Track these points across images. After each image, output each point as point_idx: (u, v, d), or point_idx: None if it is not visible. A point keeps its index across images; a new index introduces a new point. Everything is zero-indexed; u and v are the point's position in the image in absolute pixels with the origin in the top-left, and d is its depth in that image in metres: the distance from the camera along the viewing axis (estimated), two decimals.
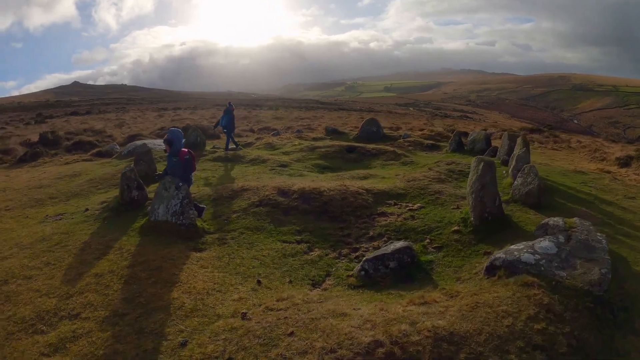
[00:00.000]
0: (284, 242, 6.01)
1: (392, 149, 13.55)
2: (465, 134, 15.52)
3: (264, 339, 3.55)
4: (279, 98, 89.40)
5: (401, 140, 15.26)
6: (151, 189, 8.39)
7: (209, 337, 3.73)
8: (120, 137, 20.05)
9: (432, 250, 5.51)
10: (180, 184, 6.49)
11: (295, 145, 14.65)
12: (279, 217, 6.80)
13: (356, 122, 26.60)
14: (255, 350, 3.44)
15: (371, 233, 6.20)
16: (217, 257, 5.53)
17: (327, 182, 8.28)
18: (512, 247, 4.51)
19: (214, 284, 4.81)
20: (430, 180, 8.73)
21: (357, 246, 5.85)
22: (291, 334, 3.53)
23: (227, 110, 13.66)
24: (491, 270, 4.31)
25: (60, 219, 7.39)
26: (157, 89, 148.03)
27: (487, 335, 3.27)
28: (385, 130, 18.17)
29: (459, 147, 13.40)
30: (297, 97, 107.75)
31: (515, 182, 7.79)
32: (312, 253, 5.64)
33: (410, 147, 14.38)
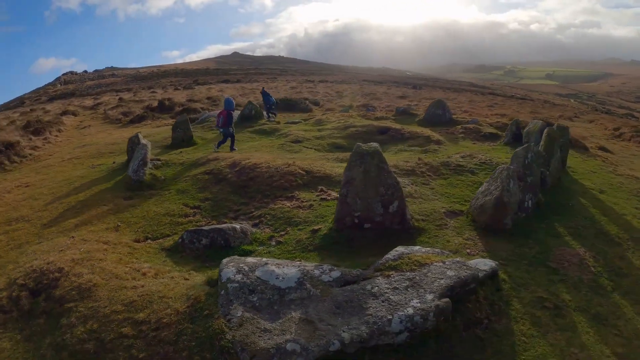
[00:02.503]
0: (184, 204, 7.35)
1: (430, 134, 12.74)
2: (523, 125, 13.15)
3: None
4: (431, 78, 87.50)
5: (459, 127, 13.93)
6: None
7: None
8: None
9: (272, 243, 5.65)
10: (144, 142, 9.01)
11: (338, 122, 15.36)
12: (208, 185, 8.17)
13: (488, 109, 24.50)
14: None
15: (254, 213, 6.75)
16: (129, 204, 7.50)
17: (284, 160, 9.08)
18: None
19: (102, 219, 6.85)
20: (395, 170, 8.30)
21: (235, 221, 6.70)
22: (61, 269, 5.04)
23: (263, 92, 17.66)
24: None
25: (94, 168, 10.84)
26: (313, 61, 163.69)
27: None
28: (455, 115, 16.80)
29: (515, 139, 11.54)
30: (450, 79, 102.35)
31: (480, 188, 6.73)
32: (191, 217, 6.87)
33: (460, 135, 13.12)
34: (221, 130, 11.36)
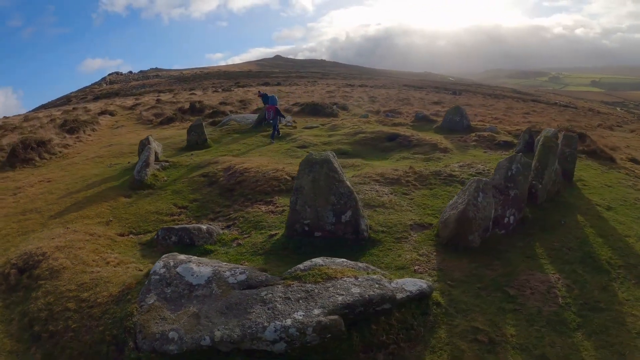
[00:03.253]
0: (174, 204, 8.15)
1: (439, 141, 12.79)
2: (537, 132, 12.73)
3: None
4: (474, 84, 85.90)
5: (473, 134, 13.82)
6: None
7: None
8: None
9: (233, 245, 6.14)
10: (153, 144, 10.04)
11: (351, 128, 15.77)
12: (200, 187, 8.94)
13: (522, 117, 23.87)
14: None
15: (231, 215, 7.36)
16: (127, 202, 8.45)
17: (274, 165, 9.66)
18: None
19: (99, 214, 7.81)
20: (379, 178, 8.66)
21: (212, 222, 7.40)
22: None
23: (272, 98, 17.69)
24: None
25: (110, 167, 12.09)
26: (354, 65, 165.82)
27: None
28: (474, 122, 16.63)
29: (528, 148, 11.31)
30: (493, 85, 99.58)
31: (451, 201, 6.66)
32: (176, 217, 7.64)
33: (472, 143, 13.05)
34: (271, 121, 14.74)
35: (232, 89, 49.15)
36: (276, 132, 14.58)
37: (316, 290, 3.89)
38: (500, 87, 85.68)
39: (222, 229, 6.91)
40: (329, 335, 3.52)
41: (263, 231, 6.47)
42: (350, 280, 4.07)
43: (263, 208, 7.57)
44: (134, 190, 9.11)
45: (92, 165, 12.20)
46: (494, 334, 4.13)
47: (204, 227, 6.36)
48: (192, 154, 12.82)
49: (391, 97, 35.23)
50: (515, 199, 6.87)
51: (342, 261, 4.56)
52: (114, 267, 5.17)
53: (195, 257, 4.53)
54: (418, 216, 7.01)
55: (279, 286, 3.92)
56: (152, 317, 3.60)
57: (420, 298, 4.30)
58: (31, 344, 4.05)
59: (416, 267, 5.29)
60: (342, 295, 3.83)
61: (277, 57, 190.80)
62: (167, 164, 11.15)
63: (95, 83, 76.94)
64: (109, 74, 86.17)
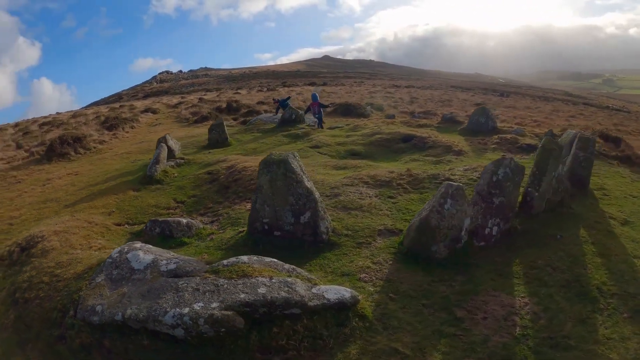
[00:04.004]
0: (173, 199, 8.90)
1: (455, 143, 12.60)
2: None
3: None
4: (524, 85, 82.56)
5: (496, 137, 13.40)
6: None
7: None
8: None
9: (207, 239, 6.62)
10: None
11: (371, 129, 15.93)
12: (202, 184, 9.64)
13: (566, 120, 22.68)
14: None
15: (220, 211, 7.96)
16: (134, 195, 9.35)
17: None
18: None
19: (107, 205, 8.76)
20: (370, 180, 8.77)
21: (201, 217, 8.07)
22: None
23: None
24: None
25: (133, 162, 13.30)
26: (403, 66, 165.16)
27: None
28: (501, 123, 16.03)
29: None
30: (545, 87, 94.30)
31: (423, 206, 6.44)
32: (172, 210, 8.38)
33: (492, 145, 12.69)
34: (316, 116, 17.40)
35: (277, 88, 50.79)
36: (322, 124, 17.40)
37: (225, 286, 4.18)
38: (551, 89, 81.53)
39: (206, 223, 7.53)
40: (223, 329, 3.77)
41: (237, 228, 6.97)
42: (263, 280, 4.26)
43: (247, 206, 8.09)
44: (143, 185, 10.05)
45: (118, 161, 13.49)
46: None
47: (184, 220, 7.01)
48: (210, 152, 13.73)
49: (433, 98, 34.62)
50: (501, 208, 6.46)
51: (271, 261, 4.78)
52: (95, 251, 5.94)
53: (148, 246, 5.12)
54: (392, 221, 6.94)
55: (197, 278, 4.31)
56: (93, 293, 4.24)
57: (340, 308, 4.24)
58: (11, 307, 4.91)
59: (362, 275, 5.24)
60: (246, 293, 4.06)
61: (326, 57, 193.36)
62: (183, 161, 12.09)
63: (146, 81, 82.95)
64: (160, 73, 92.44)
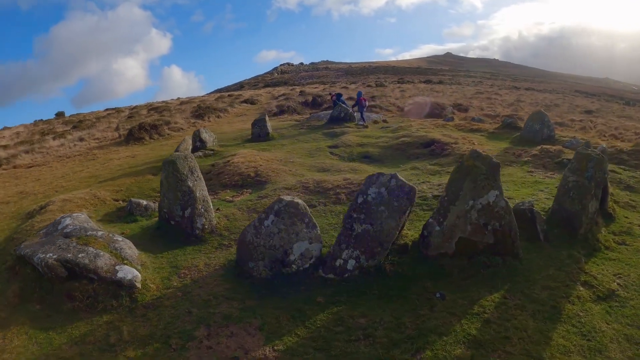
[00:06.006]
0: None
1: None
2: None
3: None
4: None
5: (537, 147, 11.73)
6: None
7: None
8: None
9: (150, 219, 8.23)
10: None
11: (405, 130, 15.49)
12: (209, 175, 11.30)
13: None
14: None
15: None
16: (147, 179, 11.39)
17: (268, 162, 11.12)
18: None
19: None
20: (313, 186, 8.92)
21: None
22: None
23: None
24: None
25: (178, 150, 15.72)
26: (528, 66, 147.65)
27: None
28: (566, 132, 13.64)
29: None
30: None
31: None
32: (159, 193, 10.10)
33: (526, 158, 11.24)
34: (360, 110, 19.50)
35: (388, 84, 50.98)
36: (363, 117, 19.24)
37: (70, 247, 5.76)
38: None
39: None
40: (53, 273, 5.60)
41: None
42: (89, 249, 5.75)
43: (212, 197, 9.32)
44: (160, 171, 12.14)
45: (172, 148, 16.13)
46: None
47: (144, 202, 8.61)
48: (244, 145, 15.36)
49: (541, 102, 30.66)
50: (363, 238, 5.42)
51: (111, 238, 6.25)
52: None
53: (78, 215, 6.95)
54: None
55: (68, 239, 5.95)
56: (30, 239, 6.39)
57: (119, 285, 5.45)
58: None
59: (183, 272, 5.98)
60: (72, 254, 5.61)
61: (448, 55, 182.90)
62: (211, 152, 13.95)
63: (268, 72, 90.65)
64: (281, 64, 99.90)
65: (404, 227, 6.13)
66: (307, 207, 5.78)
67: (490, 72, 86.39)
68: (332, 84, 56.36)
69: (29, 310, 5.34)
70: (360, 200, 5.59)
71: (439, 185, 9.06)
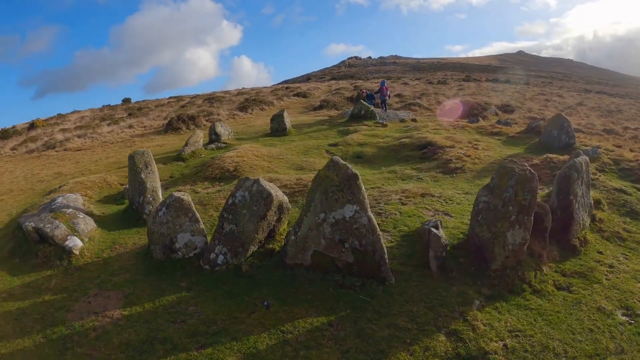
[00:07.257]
0: (170, 175, 11.97)
1: (466, 160, 11.29)
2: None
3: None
4: None
5: (543, 156, 10.95)
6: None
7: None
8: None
9: None
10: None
11: (415, 131, 15.37)
12: (198, 165, 12.44)
13: None
14: None
15: (170, 189, 10.72)
16: (159, 168, 13.01)
17: (254, 159, 12.01)
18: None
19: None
20: (280, 186, 9.53)
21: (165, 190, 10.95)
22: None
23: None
24: None
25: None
26: (604, 68, 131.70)
27: None
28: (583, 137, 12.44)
29: None
30: None
31: None
32: (170, 188, 11.50)
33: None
34: (383, 99, 21.18)
35: (452, 82, 49.33)
36: (385, 106, 21.17)
37: (44, 218, 7.29)
38: None
39: None
40: (30, 237, 7.13)
41: None
42: (55, 221, 7.26)
43: (188, 187, 10.53)
44: (172, 161, 13.67)
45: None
46: None
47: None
48: (258, 140, 16.46)
49: (605, 107, 27.70)
50: (230, 237, 5.76)
51: (75, 214, 7.61)
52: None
53: (71, 195, 8.64)
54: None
55: (50, 213, 7.51)
56: (35, 216, 7.75)
57: (65, 251, 6.87)
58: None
59: (116, 246, 7.20)
60: (43, 224, 7.15)
61: (520, 53, 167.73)
62: (224, 145, 15.25)
63: (335, 65, 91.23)
64: (348, 58, 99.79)
65: (277, 232, 6.37)
66: (192, 204, 6.53)
67: (562, 73, 79.84)
68: (397, 79, 55.60)
69: (12, 262, 6.94)
70: (230, 201, 5.95)
71: (404, 191, 9.06)
